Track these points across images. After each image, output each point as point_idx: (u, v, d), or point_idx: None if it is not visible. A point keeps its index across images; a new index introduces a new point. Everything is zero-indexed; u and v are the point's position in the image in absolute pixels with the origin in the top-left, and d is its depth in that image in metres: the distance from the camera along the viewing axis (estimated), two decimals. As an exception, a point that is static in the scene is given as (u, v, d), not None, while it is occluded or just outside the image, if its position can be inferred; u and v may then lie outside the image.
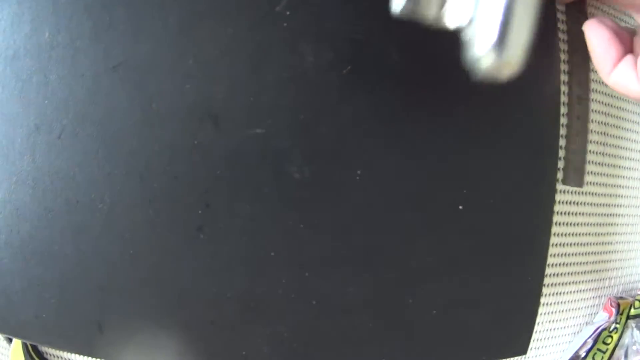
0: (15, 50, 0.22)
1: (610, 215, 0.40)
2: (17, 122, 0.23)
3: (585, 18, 0.32)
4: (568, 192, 0.36)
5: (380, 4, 0.21)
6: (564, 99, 0.32)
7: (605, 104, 0.36)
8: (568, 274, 0.38)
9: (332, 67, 0.24)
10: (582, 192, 0.37)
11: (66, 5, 0.22)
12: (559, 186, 0.35)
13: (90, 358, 0.33)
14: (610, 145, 0.38)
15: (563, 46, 0.32)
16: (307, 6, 0.23)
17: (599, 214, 0.39)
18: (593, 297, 0.41)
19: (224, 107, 0.23)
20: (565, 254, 0.38)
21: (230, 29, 0.23)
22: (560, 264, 0.38)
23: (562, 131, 0.32)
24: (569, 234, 0.37)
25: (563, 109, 0.32)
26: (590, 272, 0.40)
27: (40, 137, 0.23)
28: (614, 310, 0.39)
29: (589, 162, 0.36)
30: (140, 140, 0.23)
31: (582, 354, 0.39)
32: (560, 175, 0.32)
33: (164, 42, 0.22)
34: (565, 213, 0.37)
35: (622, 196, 0.40)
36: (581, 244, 0.38)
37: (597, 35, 0.24)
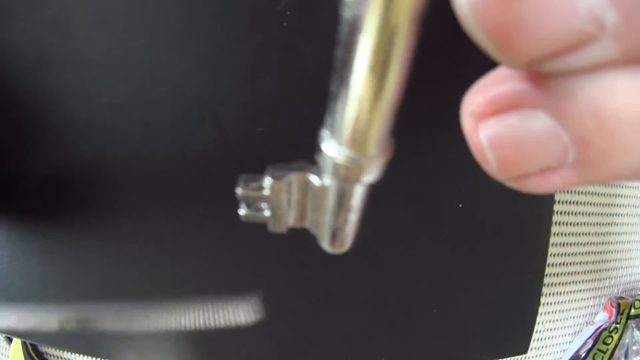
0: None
1: (610, 215, 0.40)
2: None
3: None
4: (568, 192, 0.36)
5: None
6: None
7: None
8: (568, 273, 0.38)
9: (333, 66, 0.24)
10: (582, 192, 0.37)
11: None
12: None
13: (90, 358, 0.33)
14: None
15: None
16: (307, 6, 0.23)
17: (599, 214, 0.39)
18: (593, 297, 0.41)
19: (224, 106, 0.23)
20: (565, 254, 0.38)
21: (231, 28, 0.23)
22: (560, 264, 0.38)
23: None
24: (569, 234, 0.38)
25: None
26: (590, 272, 0.40)
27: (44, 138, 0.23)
28: (614, 310, 0.39)
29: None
30: (140, 139, 0.23)
31: (583, 354, 0.39)
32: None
33: (165, 41, 0.23)
34: (565, 213, 0.37)
35: (622, 196, 0.40)
36: (581, 244, 0.38)
37: None
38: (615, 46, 0.07)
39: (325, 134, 0.09)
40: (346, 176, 0.09)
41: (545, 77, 0.08)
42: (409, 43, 0.07)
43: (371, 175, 0.09)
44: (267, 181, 0.10)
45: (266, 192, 0.11)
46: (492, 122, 0.09)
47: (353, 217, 0.10)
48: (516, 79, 0.08)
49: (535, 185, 0.09)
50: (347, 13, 0.07)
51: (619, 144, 0.08)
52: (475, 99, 0.09)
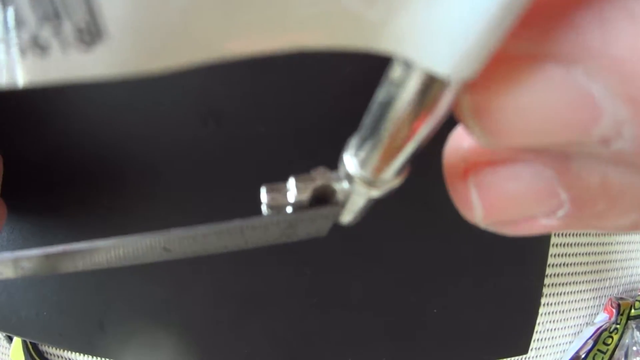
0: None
1: (611, 215, 0.40)
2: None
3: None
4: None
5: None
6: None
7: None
8: (568, 274, 0.38)
9: (333, 66, 0.24)
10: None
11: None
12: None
13: (91, 357, 0.33)
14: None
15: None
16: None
17: (599, 215, 0.39)
18: (593, 298, 0.41)
19: (226, 106, 0.23)
20: (565, 254, 0.38)
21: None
22: (560, 264, 0.38)
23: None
24: (569, 234, 0.38)
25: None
26: (590, 272, 0.40)
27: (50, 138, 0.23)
28: (614, 310, 0.39)
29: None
30: (142, 139, 0.23)
31: (583, 354, 0.39)
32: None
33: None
34: (565, 213, 0.37)
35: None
36: (581, 244, 0.38)
37: None
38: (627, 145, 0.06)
39: (351, 145, 0.09)
40: (357, 190, 0.09)
41: None
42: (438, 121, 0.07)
43: (380, 193, 0.09)
44: (291, 189, 0.10)
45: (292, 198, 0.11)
46: (487, 173, 0.08)
47: (367, 209, 0.11)
48: None
49: (514, 230, 0.08)
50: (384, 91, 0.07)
51: (619, 209, 0.07)
52: (469, 143, 0.08)
